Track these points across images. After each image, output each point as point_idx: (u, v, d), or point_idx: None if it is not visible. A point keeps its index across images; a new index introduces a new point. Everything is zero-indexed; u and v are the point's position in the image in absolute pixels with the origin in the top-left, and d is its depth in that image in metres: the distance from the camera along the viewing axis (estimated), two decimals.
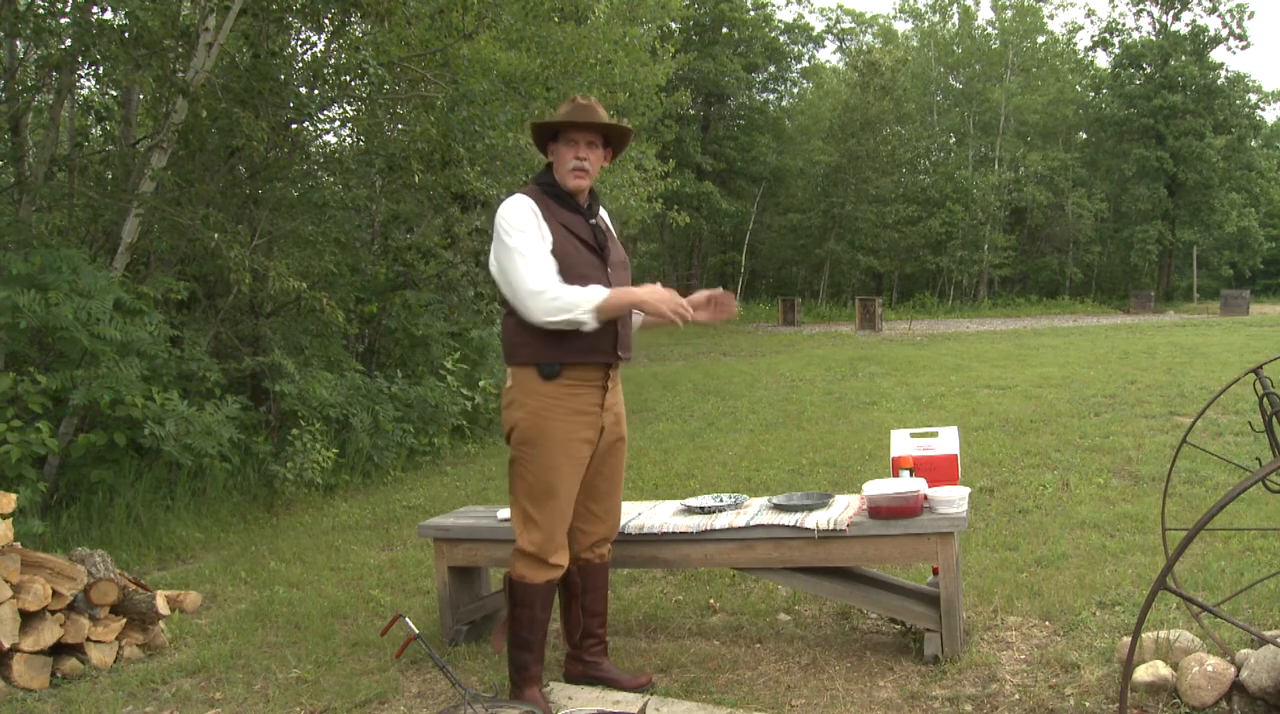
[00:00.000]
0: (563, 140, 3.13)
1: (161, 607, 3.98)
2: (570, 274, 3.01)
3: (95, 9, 6.48)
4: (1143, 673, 2.95)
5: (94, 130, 9.17)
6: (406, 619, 3.40)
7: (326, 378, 7.52)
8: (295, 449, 7.01)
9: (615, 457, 3.26)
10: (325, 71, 7.70)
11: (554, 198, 3.11)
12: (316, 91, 7.85)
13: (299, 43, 8.43)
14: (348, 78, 7.74)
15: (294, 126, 8.04)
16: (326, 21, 7.98)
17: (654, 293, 3.03)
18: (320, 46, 8.36)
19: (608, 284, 3.06)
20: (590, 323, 2.96)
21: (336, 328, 8.16)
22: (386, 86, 8.04)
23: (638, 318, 3.29)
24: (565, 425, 3.05)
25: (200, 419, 6.01)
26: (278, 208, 7.96)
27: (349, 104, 8.75)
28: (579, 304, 2.93)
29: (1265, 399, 3.04)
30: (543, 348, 3.03)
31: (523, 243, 2.98)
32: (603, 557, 3.36)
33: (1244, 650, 2.97)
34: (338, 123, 9.27)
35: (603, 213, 3.30)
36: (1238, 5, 36.39)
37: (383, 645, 3.83)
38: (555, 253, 3.02)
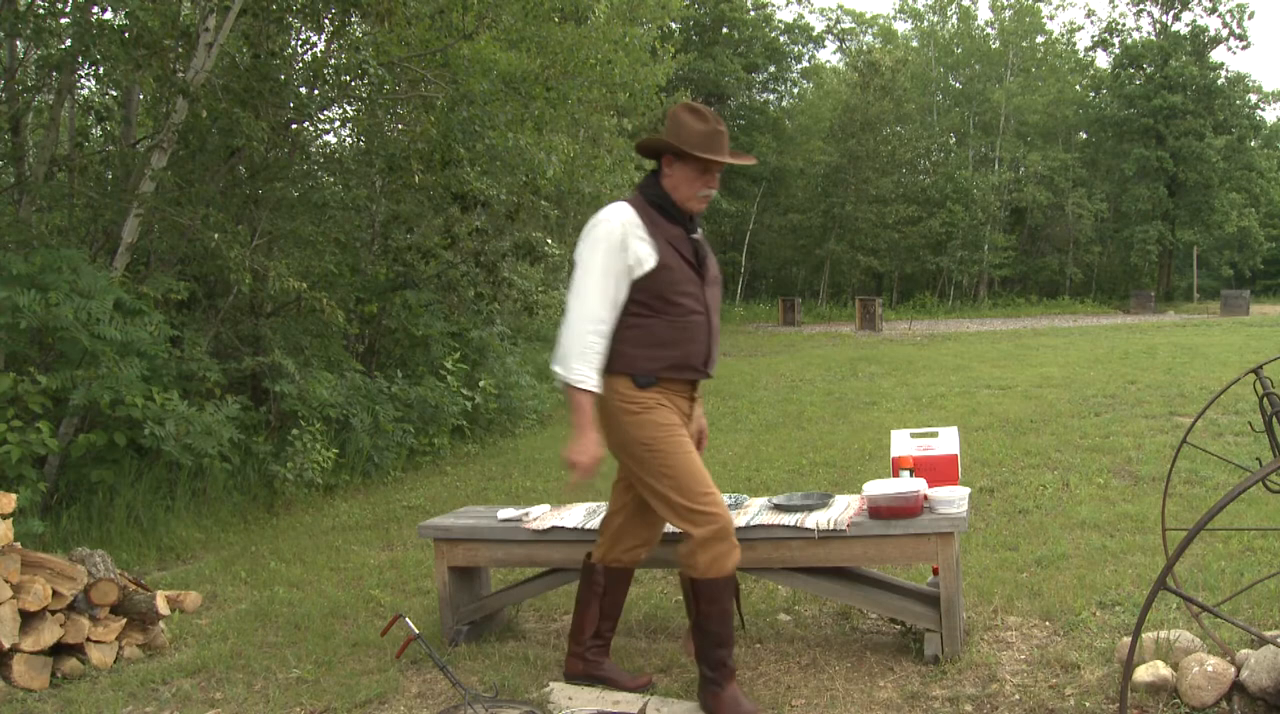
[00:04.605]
0: (694, 165, 3.05)
1: (161, 607, 3.98)
2: (671, 291, 3.00)
3: (95, 9, 6.48)
4: (1143, 673, 2.95)
5: (94, 130, 9.16)
6: (406, 619, 3.41)
7: (326, 378, 7.52)
8: (295, 449, 7.01)
9: None
10: (325, 72, 7.70)
11: (659, 210, 3.06)
12: (316, 92, 7.85)
13: (299, 43, 8.43)
14: (348, 78, 7.75)
15: (294, 126, 8.04)
16: (326, 22, 7.99)
17: (582, 449, 2.97)
18: (320, 47, 8.37)
19: (704, 302, 3.07)
20: (558, 381, 3.02)
21: (336, 328, 8.16)
22: (386, 86, 8.04)
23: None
24: (663, 413, 3.03)
25: (200, 419, 6.01)
26: (278, 208, 7.96)
27: (349, 104, 8.76)
28: (573, 372, 2.96)
29: (1265, 399, 3.03)
30: (640, 358, 3.02)
31: (598, 275, 2.98)
32: (635, 560, 3.35)
33: (1244, 650, 2.97)
34: (338, 123, 9.28)
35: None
36: (1238, 5, 36.40)
37: (383, 645, 3.83)
38: (659, 268, 2.99)
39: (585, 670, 3.35)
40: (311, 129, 8.68)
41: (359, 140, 9.64)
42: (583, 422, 2.97)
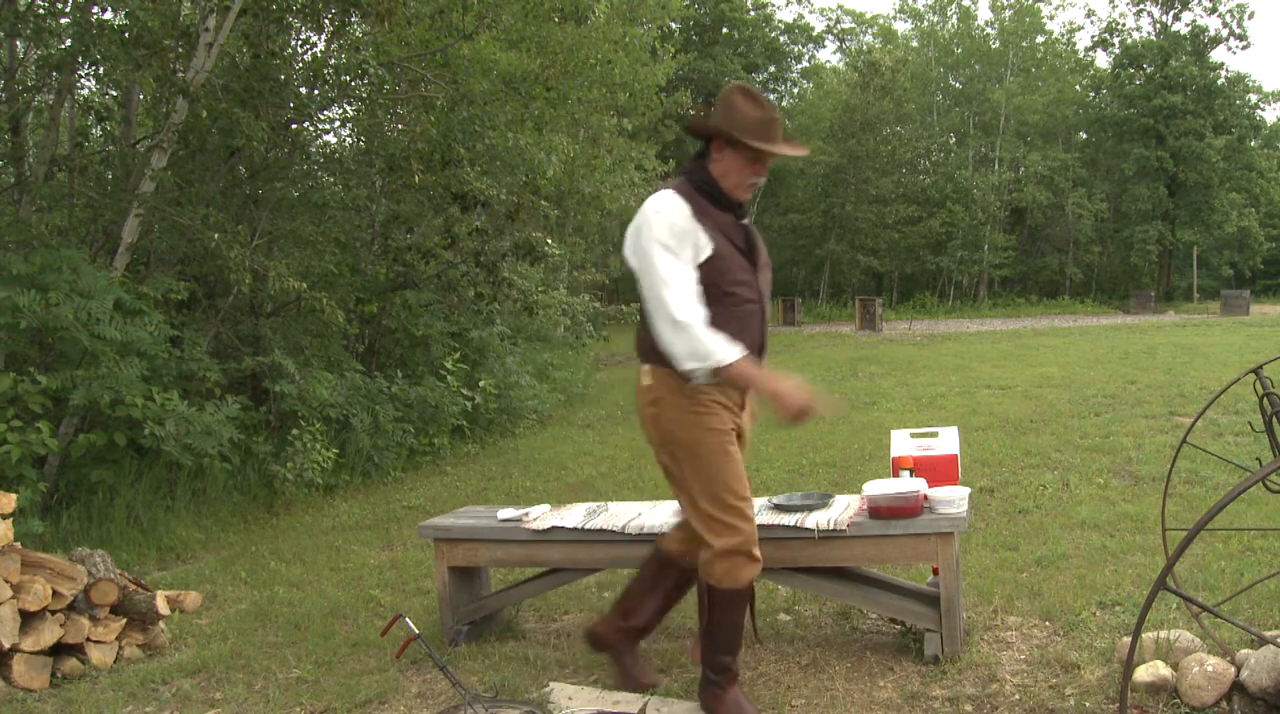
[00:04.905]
0: (746, 153, 2.93)
1: (161, 607, 3.98)
2: (725, 280, 2.89)
3: (95, 9, 6.48)
4: (1143, 673, 2.95)
5: (94, 130, 9.16)
6: (406, 619, 3.41)
7: (326, 378, 7.51)
8: (295, 449, 7.00)
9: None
10: (325, 72, 7.70)
11: (708, 197, 2.94)
12: (316, 91, 7.85)
13: (299, 43, 8.43)
14: (348, 78, 7.74)
15: (294, 126, 8.04)
16: (326, 22, 7.98)
17: (789, 394, 2.78)
18: (320, 46, 8.37)
19: (757, 289, 3.00)
20: (700, 377, 2.85)
21: (336, 328, 8.16)
22: (386, 86, 8.04)
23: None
24: (719, 418, 2.95)
25: (200, 419, 6.01)
26: (278, 208, 7.96)
27: (349, 104, 8.75)
28: (712, 355, 2.80)
29: (1265, 399, 3.04)
30: None
31: (671, 262, 2.84)
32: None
33: (1244, 650, 2.97)
34: (338, 123, 9.28)
35: None
36: (1238, 5, 36.40)
37: (383, 645, 3.83)
38: (714, 257, 2.88)
39: (613, 640, 3.31)
40: (311, 129, 8.67)
41: (359, 140, 9.64)
42: (763, 377, 2.82)
